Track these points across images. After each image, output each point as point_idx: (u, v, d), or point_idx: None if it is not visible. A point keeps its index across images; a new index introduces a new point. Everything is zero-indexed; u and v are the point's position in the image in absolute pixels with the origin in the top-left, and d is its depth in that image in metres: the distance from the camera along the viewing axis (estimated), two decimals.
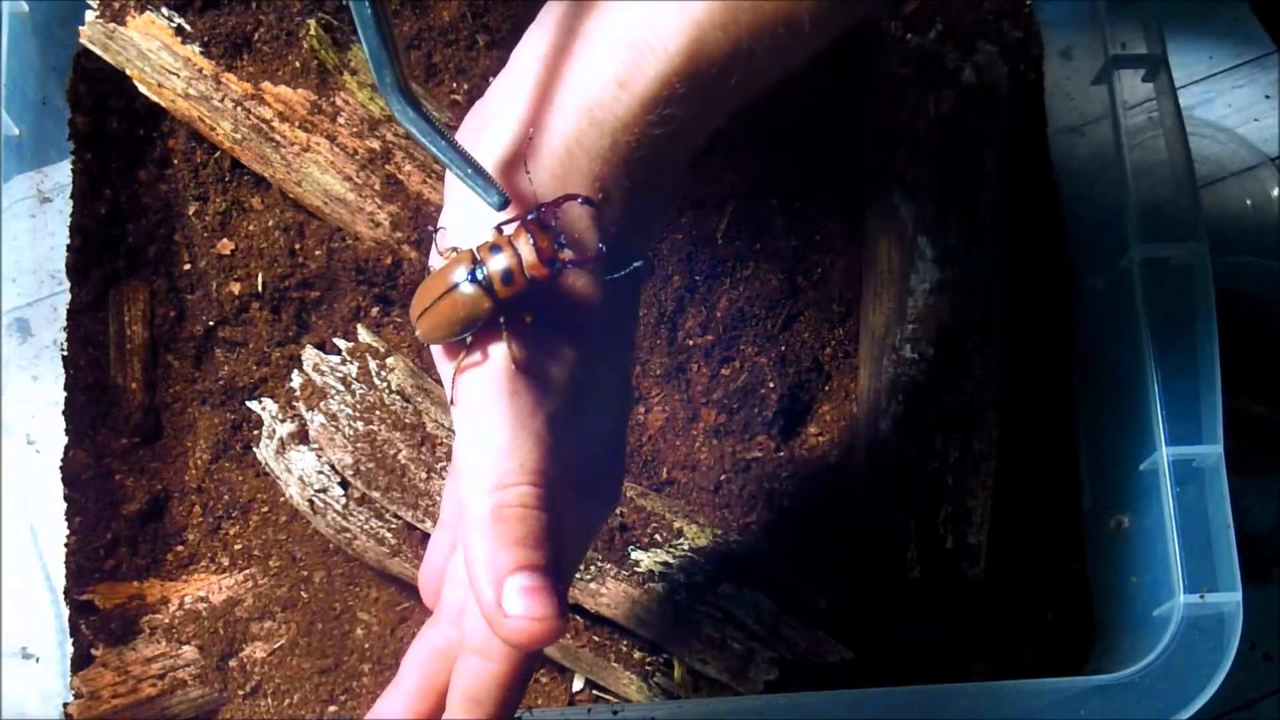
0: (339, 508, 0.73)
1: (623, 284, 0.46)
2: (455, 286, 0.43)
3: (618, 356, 0.49)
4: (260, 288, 0.80)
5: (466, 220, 0.45)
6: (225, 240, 0.82)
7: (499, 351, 0.44)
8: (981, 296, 0.79)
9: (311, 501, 0.74)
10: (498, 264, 0.43)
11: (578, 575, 0.71)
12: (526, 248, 0.42)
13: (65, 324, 0.81)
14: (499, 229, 0.44)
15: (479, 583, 0.42)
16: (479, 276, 0.43)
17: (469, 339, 0.44)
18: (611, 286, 0.46)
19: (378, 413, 0.72)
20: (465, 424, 0.44)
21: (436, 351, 0.47)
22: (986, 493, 0.77)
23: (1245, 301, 0.87)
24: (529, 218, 0.43)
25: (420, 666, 0.50)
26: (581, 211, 0.44)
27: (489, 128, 0.46)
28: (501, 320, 0.44)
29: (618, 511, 0.73)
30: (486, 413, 0.44)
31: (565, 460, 0.45)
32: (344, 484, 0.73)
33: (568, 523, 0.45)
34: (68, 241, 0.81)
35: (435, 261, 0.46)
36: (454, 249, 0.45)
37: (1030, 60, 0.89)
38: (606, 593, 0.71)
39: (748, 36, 0.45)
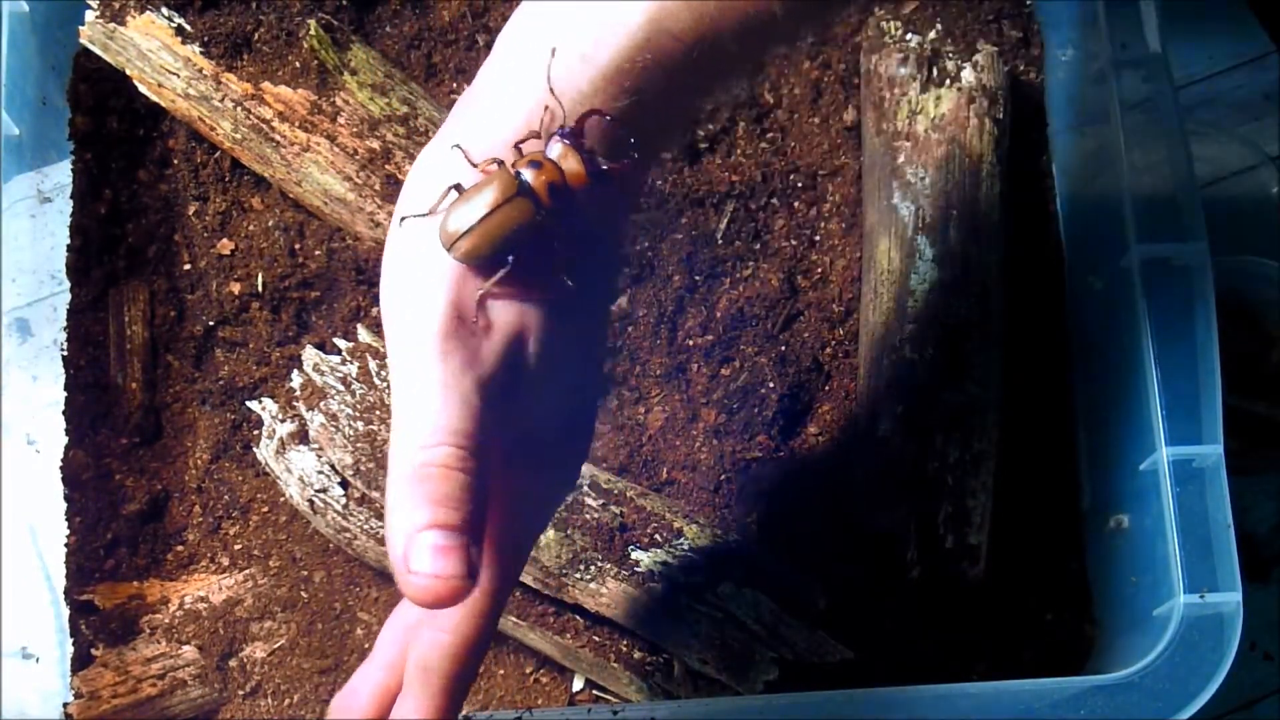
0: (339, 508, 0.73)
1: (594, 274, 0.48)
2: (503, 202, 0.44)
3: (584, 333, 0.50)
4: (260, 288, 0.81)
5: (480, 139, 0.46)
6: (225, 240, 0.82)
7: (434, 311, 0.45)
8: (981, 296, 0.79)
9: (311, 501, 0.74)
10: (542, 176, 0.44)
11: (578, 575, 0.71)
12: (568, 160, 0.44)
13: (65, 324, 0.81)
14: (517, 148, 0.45)
15: (392, 538, 0.43)
16: (527, 190, 0.44)
17: (510, 260, 0.45)
18: (585, 267, 0.47)
19: (378, 413, 0.72)
20: (398, 381, 0.45)
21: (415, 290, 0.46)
22: (986, 493, 0.77)
23: (1245, 301, 0.87)
24: (565, 132, 0.45)
25: (393, 641, 0.52)
26: (604, 125, 0.45)
27: (470, 110, 0.47)
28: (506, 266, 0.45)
29: (617, 511, 0.73)
30: (418, 372, 0.45)
31: (519, 428, 0.47)
32: (344, 484, 0.73)
33: (520, 490, 0.47)
34: (68, 241, 0.81)
35: (451, 177, 0.46)
36: (493, 160, 0.45)
37: (1030, 60, 0.89)
38: (606, 593, 0.71)
39: (713, 12, 0.45)
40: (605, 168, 0.45)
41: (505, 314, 0.45)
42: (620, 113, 0.45)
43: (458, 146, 0.46)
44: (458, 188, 0.45)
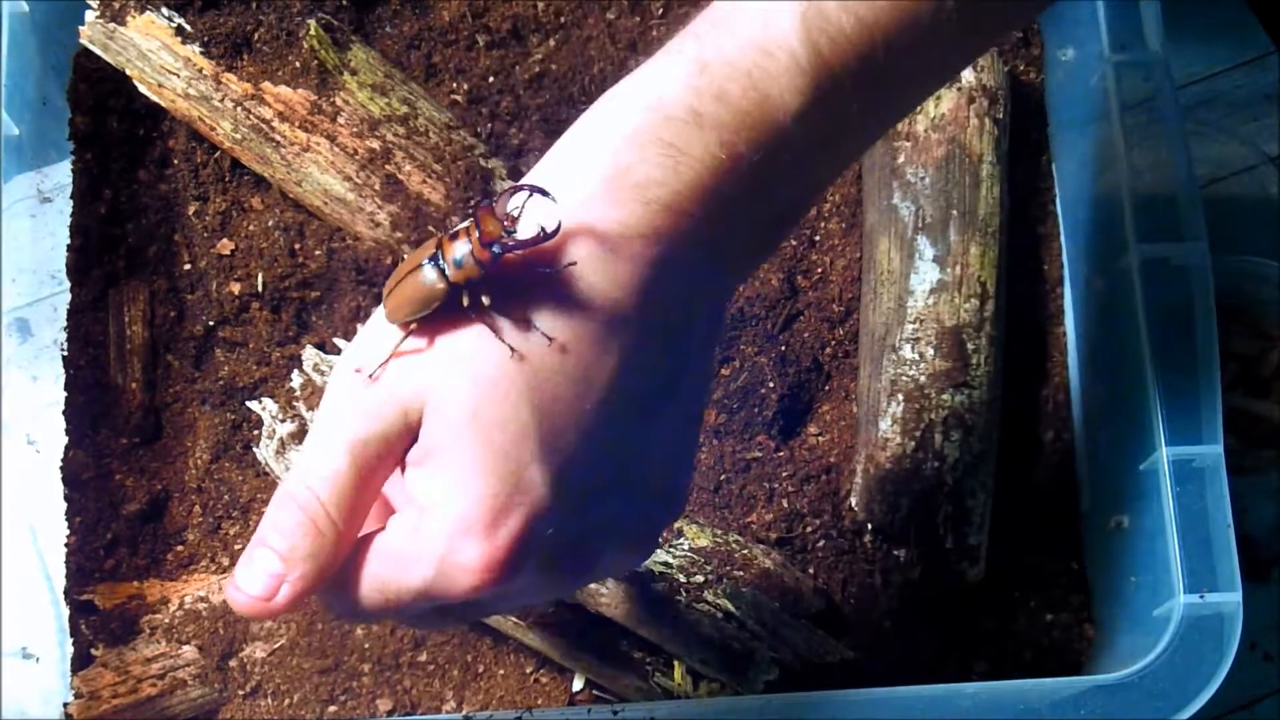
0: None
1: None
2: (417, 269, 0.45)
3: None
4: (260, 288, 0.81)
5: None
6: (225, 240, 0.82)
7: (347, 359, 0.47)
8: (981, 296, 0.79)
9: None
10: (453, 250, 0.44)
11: None
12: (474, 232, 0.44)
13: (65, 324, 0.81)
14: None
15: (256, 536, 0.46)
16: (437, 261, 0.45)
17: (414, 326, 0.45)
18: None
19: None
20: (321, 409, 0.47)
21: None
22: (986, 493, 0.77)
23: (1245, 301, 0.87)
24: (479, 203, 0.44)
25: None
26: (543, 205, 0.44)
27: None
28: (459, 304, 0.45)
29: None
30: (322, 408, 0.47)
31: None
32: None
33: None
34: (68, 241, 0.81)
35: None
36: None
37: (1030, 60, 0.89)
38: (606, 593, 0.71)
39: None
40: (506, 240, 0.44)
41: (406, 388, 0.45)
42: (619, 220, 0.44)
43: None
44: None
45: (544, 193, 0.44)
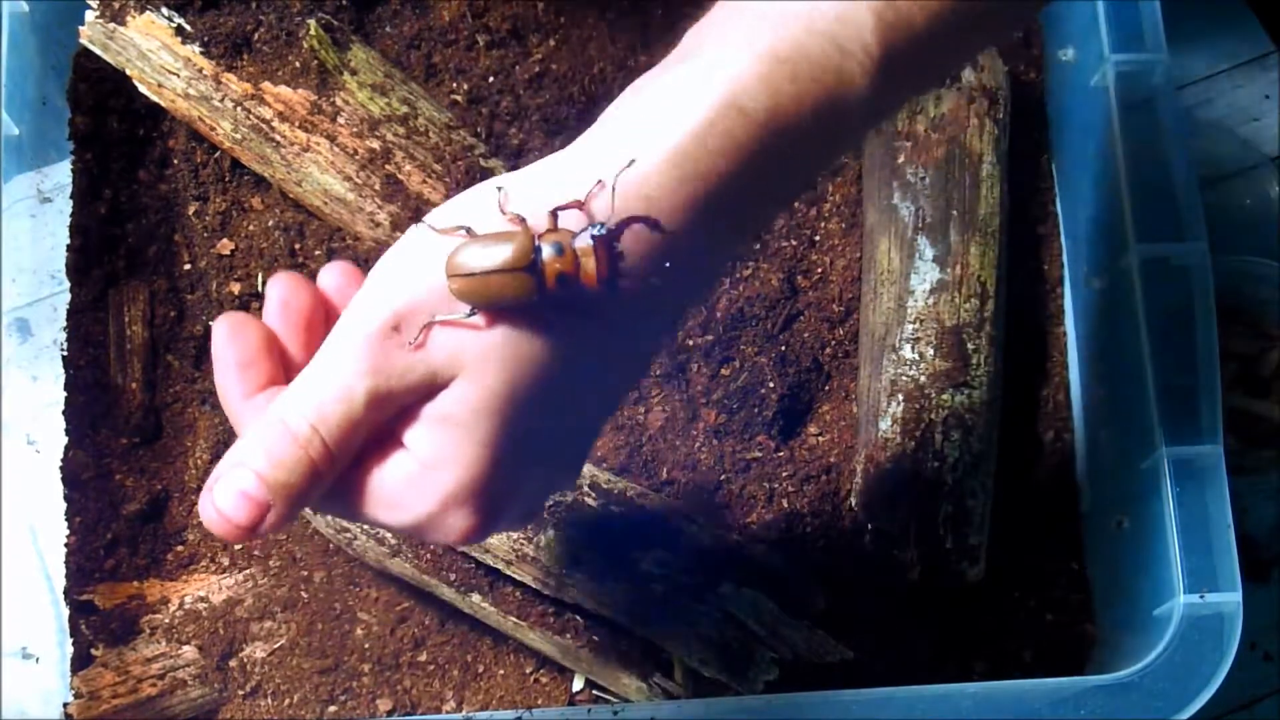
0: None
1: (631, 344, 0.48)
2: (509, 269, 0.44)
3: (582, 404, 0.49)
4: (260, 288, 0.81)
5: (532, 191, 0.46)
6: (225, 240, 0.82)
7: (381, 306, 0.45)
8: (981, 296, 0.79)
9: None
10: (556, 264, 0.43)
11: (578, 575, 0.71)
12: (589, 259, 0.43)
13: (65, 324, 0.81)
14: (553, 214, 0.44)
15: (225, 458, 0.46)
16: (537, 268, 0.44)
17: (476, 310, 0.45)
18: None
19: None
20: (328, 339, 0.46)
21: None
22: (986, 493, 0.77)
23: (1245, 301, 0.87)
24: (598, 232, 0.43)
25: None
26: (646, 237, 0.44)
27: (551, 161, 0.47)
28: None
29: (617, 511, 0.73)
30: (333, 347, 0.46)
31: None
32: None
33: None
34: (68, 241, 0.81)
35: (483, 219, 0.46)
36: (519, 217, 0.45)
37: (1030, 60, 0.89)
38: (606, 593, 0.71)
39: (790, 91, 0.45)
40: (624, 282, 0.44)
41: (440, 352, 0.45)
42: (679, 208, 0.44)
43: (500, 188, 0.46)
44: (469, 230, 0.45)
45: (659, 229, 0.44)
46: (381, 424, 0.47)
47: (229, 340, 0.48)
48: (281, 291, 0.49)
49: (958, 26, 0.46)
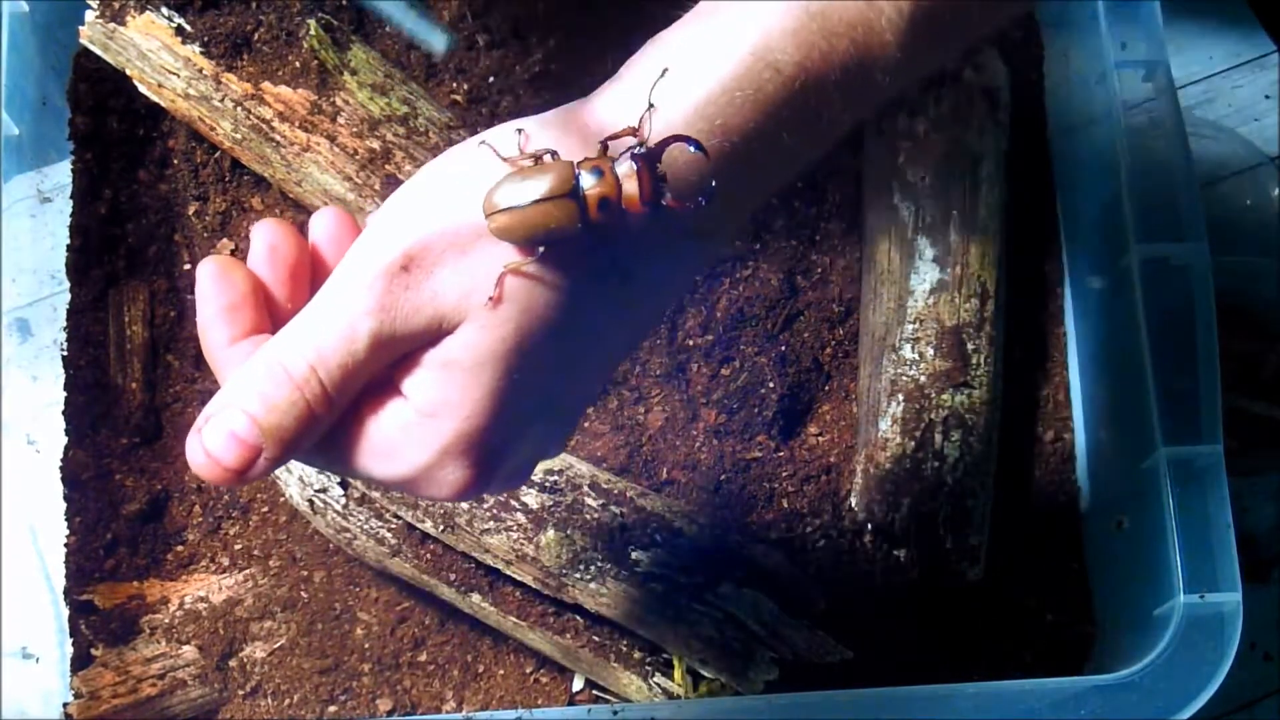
0: (339, 508, 0.73)
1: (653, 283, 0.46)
2: (551, 197, 0.42)
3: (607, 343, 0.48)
4: None
5: (554, 133, 0.45)
6: (225, 240, 0.82)
7: (392, 244, 0.43)
8: (981, 296, 0.79)
9: (311, 501, 0.74)
10: (597, 188, 0.42)
11: (578, 575, 0.71)
12: (630, 181, 0.42)
13: (65, 324, 0.81)
14: (604, 145, 0.43)
15: (215, 398, 0.44)
16: (579, 194, 0.42)
17: (540, 251, 0.43)
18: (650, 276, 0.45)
19: None
20: (331, 277, 0.44)
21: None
22: (986, 493, 0.77)
23: (1245, 301, 0.86)
24: (639, 152, 0.42)
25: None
26: (688, 159, 0.43)
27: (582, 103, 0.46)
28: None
29: (617, 511, 0.73)
30: (338, 284, 0.44)
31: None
32: (344, 484, 0.73)
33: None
34: (68, 241, 0.81)
35: (495, 147, 0.45)
36: (551, 153, 0.44)
37: (1030, 60, 0.89)
38: (606, 593, 0.71)
39: (821, 46, 0.44)
40: (667, 201, 0.42)
41: (450, 295, 0.43)
42: (710, 149, 0.43)
43: (520, 129, 0.44)
44: (553, 154, 0.44)
45: (700, 149, 0.43)
46: (381, 371, 0.45)
47: (215, 281, 0.46)
48: (269, 237, 0.47)
49: None
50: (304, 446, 0.44)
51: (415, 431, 0.44)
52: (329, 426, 0.45)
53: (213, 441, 0.44)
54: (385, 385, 0.45)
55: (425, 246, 0.43)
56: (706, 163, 0.43)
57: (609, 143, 0.44)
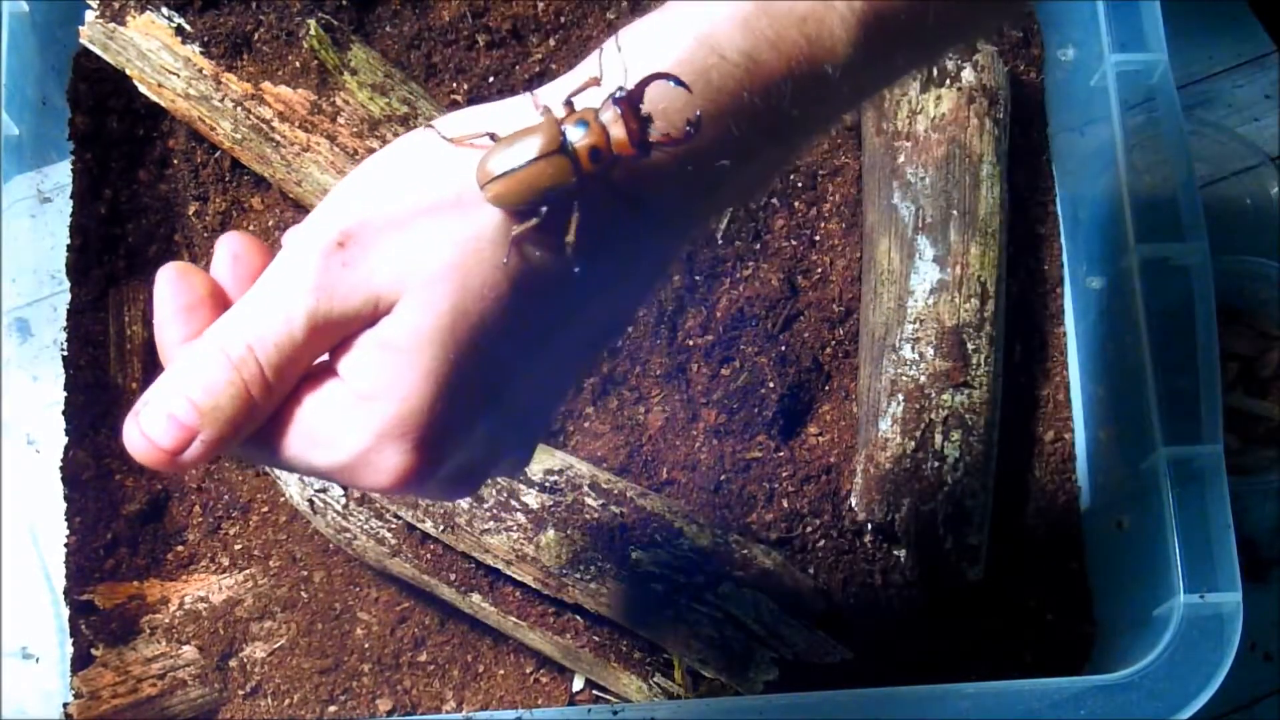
0: (339, 508, 0.73)
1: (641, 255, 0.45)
2: (541, 156, 0.42)
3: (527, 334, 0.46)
4: None
5: (513, 105, 0.45)
6: None
7: (332, 221, 0.43)
8: (981, 296, 0.79)
9: (311, 501, 0.74)
10: (586, 138, 0.42)
11: (578, 575, 0.71)
12: (617, 125, 0.42)
13: (65, 324, 0.81)
14: (568, 102, 0.43)
15: (158, 381, 0.43)
16: (568, 149, 0.42)
17: (543, 210, 0.43)
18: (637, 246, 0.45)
19: None
20: (284, 265, 0.44)
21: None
22: (986, 493, 0.77)
23: (1245, 301, 0.87)
24: (619, 95, 0.42)
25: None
26: (673, 95, 0.43)
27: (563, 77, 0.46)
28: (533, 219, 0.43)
29: (617, 511, 0.73)
30: (280, 263, 0.43)
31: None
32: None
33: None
34: (68, 241, 0.81)
35: (505, 118, 0.45)
36: (545, 108, 0.44)
37: (1030, 60, 0.89)
38: (606, 593, 0.71)
39: (768, 34, 0.44)
40: (656, 139, 0.42)
41: (386, 273, 0.43)
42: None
43: (530, 93, 0.44)
44: (492, 136, 0.43)
45: (684, 85, 0.42)
46: (319, 354, 0.44)
47: (173, 284, 0.46)
48: (233, 246, 0.46)
49: None
50: (243, 431, 0.43)
51: (352, 415, 0.43)
52: (268, 413, 0.44)
53: (149, 424, 0.43)
54: (323, 372, 0.44)
55: (361, 224, 0.43)
56: (689, 100, 0.42)
57: (574, 99, 0.43)
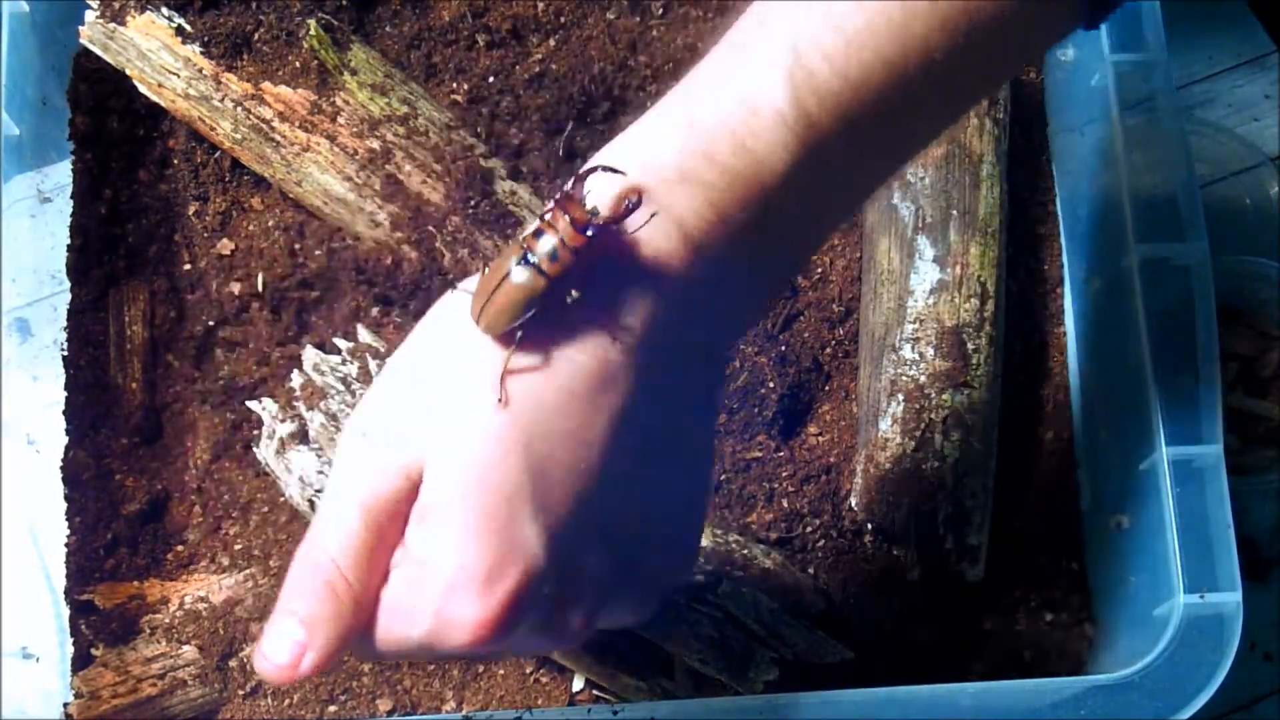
0: None
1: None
2: (509, 275, 0.45)
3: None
4: (260, 288, 0.81)
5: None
6: (225, 240, 0.82)
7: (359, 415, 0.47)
8: (981, 296, 0.79)
9: (311, 501, 0.74)
10: (542, 245, 0.44)
11: None
12: (562, 221, 0.44)
13: (65, 324, 0.81)
14: (540, 217, 0.45)
15: (279, 602, 0.46)
16: (530, 260, 0.44)
17: (519, 334, 0.45)
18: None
19: None
20: (332, 473, 0.47)
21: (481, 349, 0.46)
22: (986, 493, 0.77)
23: (1245, 301, 0.87)
24: (557, 194, 0.44)
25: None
26: (608, 184, 0.45)
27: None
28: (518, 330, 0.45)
29: None
30: (335, 470, 0.47)
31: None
32: None
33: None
34: (68, 241, 0.81)
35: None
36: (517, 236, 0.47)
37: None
38: None
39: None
40: (602, 220, 0.44)
41: (405, 446, 0.46)
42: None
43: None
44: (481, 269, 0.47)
45: (616, 170, 0.45)
46: (390, 544, 0.47)
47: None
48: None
49: (889, 96, 0.45)
50: (347, 632, 0.46)
51: (420, 583, 0.46)
52: (365, 608, 0.46)
53: (268, 646, 0.46)
54: (402, 556, 0.47)
55: (376, 409, 0.47)
56: (627, 186, 0.45)
57: (545, 216, 0.46)
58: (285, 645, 0.45)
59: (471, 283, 0.47)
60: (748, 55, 0.45)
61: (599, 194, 0.45)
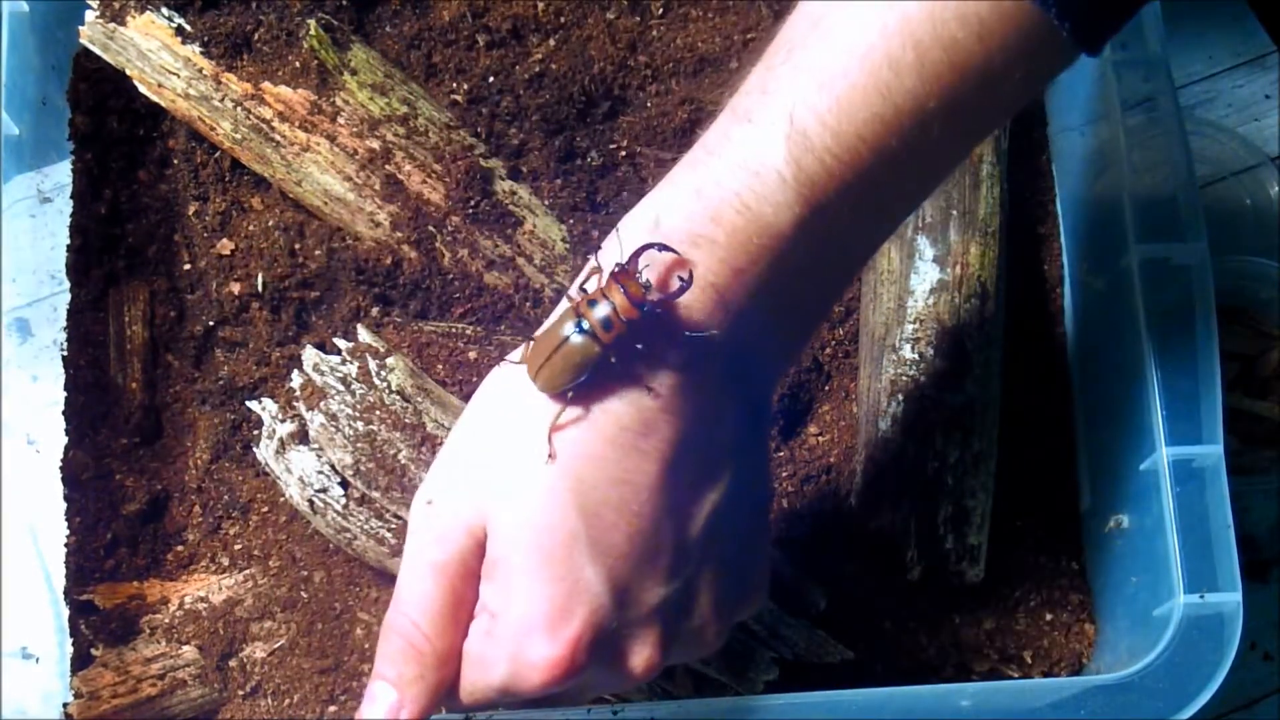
0: (339, 508, 0.73)
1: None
2: (567, 339, 0.49)
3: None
4: (260, 288, 0.81)
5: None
6: (225, 240, 0.82)
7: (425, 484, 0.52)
8: (981, 296, 0.79)
9: (311, 501, 0.74)
10: (598, 313, 0.49)
11: None
12: (618, 295, 0.48)
13: (65, 324, 0.81)
14: (581, 289, 0.50)
15: (374, 670, 0.51)
16: (584, 326, 0.49)
17: (570, 394, 0.49)
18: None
19: (378, 413, 0.72)
20: (407, 541, 0.52)
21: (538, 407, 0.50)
22: (986, 493, 0.77)
23: (1245, 301, 0.87)
24: (614, 269, 0.49)
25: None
26: (667, 259, 0.49)
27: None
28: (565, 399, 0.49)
29: None
30: (408, 538, 0.52)
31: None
32: (344, 484, 0.73)
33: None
34: (68, 241, 0.81)
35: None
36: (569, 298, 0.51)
37: None
38: None
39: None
40: (656, 298, 0.48)
41: (466, 506, 0.50)
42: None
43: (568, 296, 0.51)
44: (532, 338, 0.51)
45: (671, 250, 0.48)
46: (467, 601, 0.50)
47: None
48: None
49: (886, 153, 0.48)
50: (436, 688, 0.50)
51: (495, 633, 0.49)
52: (450, 665, 0.50)
53: (367, 709, 0.50)
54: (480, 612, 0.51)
55: (438, 477, 0.52)
56: (677, 262, 0.49)
57: (584, 285, 0.51)
58: (380, 706, 0.49)
59: (517, 354, 0.52)
60: (749, 122, 0.49)
61: (618, 251, 0.49)
